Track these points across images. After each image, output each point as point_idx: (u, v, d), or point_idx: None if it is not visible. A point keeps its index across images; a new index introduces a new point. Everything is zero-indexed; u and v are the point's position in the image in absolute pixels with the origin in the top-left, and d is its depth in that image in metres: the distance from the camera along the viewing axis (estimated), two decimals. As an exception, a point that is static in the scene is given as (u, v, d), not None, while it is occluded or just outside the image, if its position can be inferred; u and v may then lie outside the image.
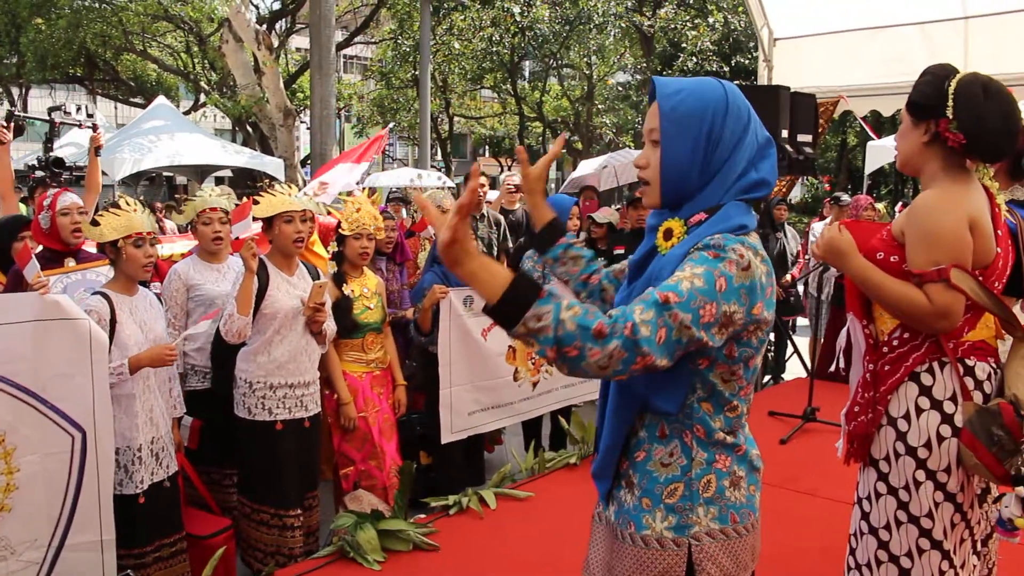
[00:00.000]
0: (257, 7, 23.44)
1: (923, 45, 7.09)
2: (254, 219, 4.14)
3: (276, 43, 19.01)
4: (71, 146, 11.22)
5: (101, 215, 3.51)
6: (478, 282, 1.56)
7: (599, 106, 24.72)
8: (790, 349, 7.71)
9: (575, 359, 1.53)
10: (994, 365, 2.34)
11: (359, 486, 4.25)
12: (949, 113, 2.27)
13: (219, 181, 18.15)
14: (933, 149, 2.34)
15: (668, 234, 1.80)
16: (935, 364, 2.31)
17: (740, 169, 1.77)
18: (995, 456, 2.15)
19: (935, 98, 2.30)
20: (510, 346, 4.81)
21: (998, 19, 6.78)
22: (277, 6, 22.00)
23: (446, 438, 4.57)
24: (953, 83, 2.29)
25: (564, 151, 26.10)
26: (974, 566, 2.40)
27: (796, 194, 33.59)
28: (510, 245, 6.71)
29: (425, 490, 4.53)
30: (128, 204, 3.55)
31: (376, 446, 4.33)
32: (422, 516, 4.17)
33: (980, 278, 2.26)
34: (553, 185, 32.74)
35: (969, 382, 2.29)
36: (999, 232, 2.36)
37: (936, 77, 2.34)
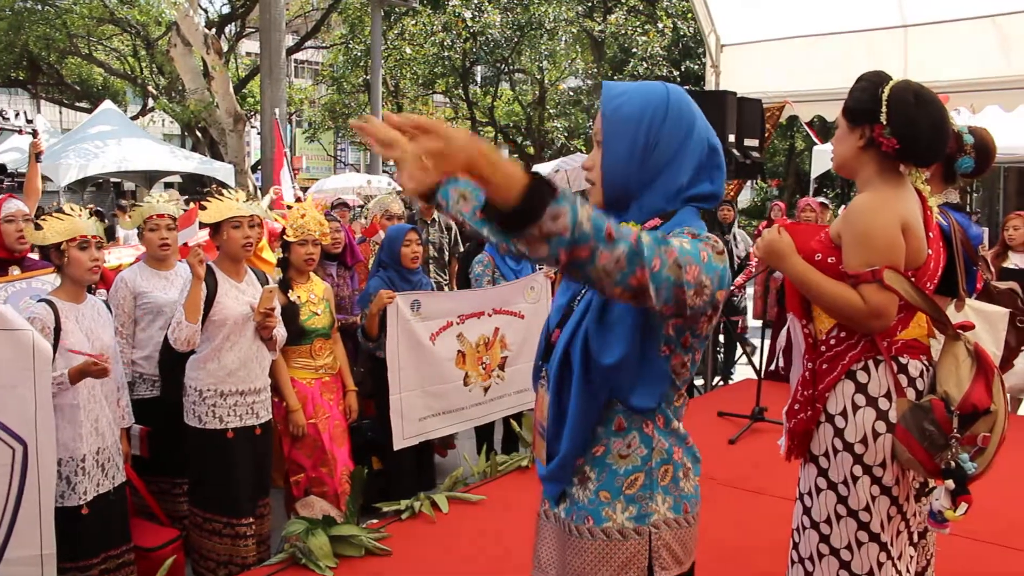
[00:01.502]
0: (206, 11, 23.21)
1: (864, 52, 7.26)
2: (202, 225, 4.11)
3: (225, 47, 18.83)
4: (14, 151, 11.01)
5: (44, 219, 3.47)
6: (496, 173, 1.39)
7: (551, 111, 24.84)
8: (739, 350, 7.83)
9: (583, 261, 1.43)
10: (926, 362, 2.42)
11: (310, 493, 4.23)
12: (883, 119, 2.34)
13: (168, 187, 17.93)
14: (868, 153, 2.42)
15: None
16: (870, 362, 2.37)
17: (688, 176, 1.77)
18: (926, 451, 2.21)
19: (870, 104, 2.37)
20: (459, 351, 4.82)
21: (935, 28, 6.98)
22: (226, 10, 21.81)
23: (398, 444, 4.57)
24: (886, 90, 2.36)
25: (516, 156, 26.20)
26: (911, 557, 2.47)
27: (746, 197, 34.05)
28: (461, 249, 6.73)
29: (377, 495, 4.52)
30: (72, 209, 3.51)
31: (327, 453, 4.32)
32: (374, 521, 4.16)
33: (912, 279, 2.33)
34: (506, 190, 32.74)
35: (903, 379, 2.35)
36: (931, 234, 2.43)
37: (870, 84, 2.41)
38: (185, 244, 4.32)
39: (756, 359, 6.71)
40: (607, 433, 1.81)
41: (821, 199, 10.03)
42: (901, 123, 2.33)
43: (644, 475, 1.79)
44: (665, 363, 1.74)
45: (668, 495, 1.80)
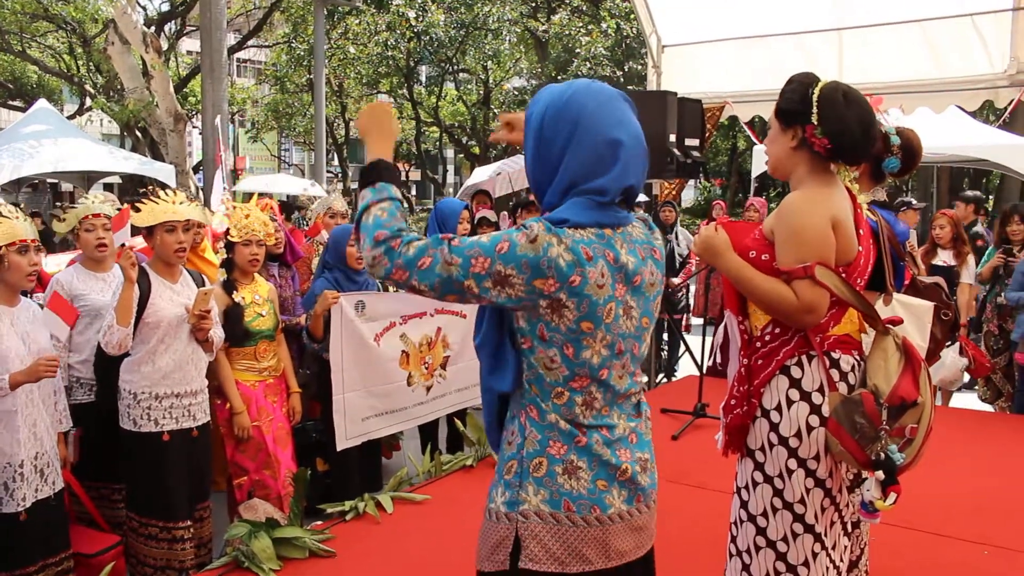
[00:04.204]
0: (145, 8, 22.79)
1: (801, 54, 7.43)
2: (135, 231, 4.04)
3: (165, 46, 18.50)
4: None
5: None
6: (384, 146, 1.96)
7: (495, 111, 24.88)
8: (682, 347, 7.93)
9: (359, 243, 1.81)
10: (858, 357, 2.48)
11: (253, 496, 4.20)
12: (814, 119, 2.40)
13: (108, 188, 17.57)
14: (801, 153, 2.47)
15: None
16: (804, 358, 2.43)
17: (579, 172, 1.82)
18: (858, 443, 2.28)
19: (801, 105, 2.43)
20: (403, 351, 4.81)
21: (867, 31, 7.16)
22: (166, 7, 21.42)
23: (341, 445, 4.54)
24: (816, 91, 2.42)
25: (462, 156, 26.19)
26: (845, 547, 2.53)
27: (689, 197, 34.45)
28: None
29: (321, 497, 4.50)
30: (9, 212, 3.43)
31: (270, 455, 4.28)
32: (318, 523, 4.14)
33: (843, 275, 2.39)
34: (451, 190, 32.76)
35: (835, 374, 2.41)
36: (861, 231, 2.50)
37: (801, 85, 2.47)
38: (122, 246, 4.25)
39: (698, 355, 6.81)
40: (508, 421, 1.94)
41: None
42: (832, 123, 2.38)
43: (517, 463, 1.87)
44: (529, 354, 1.83)
45: (542, 488, 1.84)
